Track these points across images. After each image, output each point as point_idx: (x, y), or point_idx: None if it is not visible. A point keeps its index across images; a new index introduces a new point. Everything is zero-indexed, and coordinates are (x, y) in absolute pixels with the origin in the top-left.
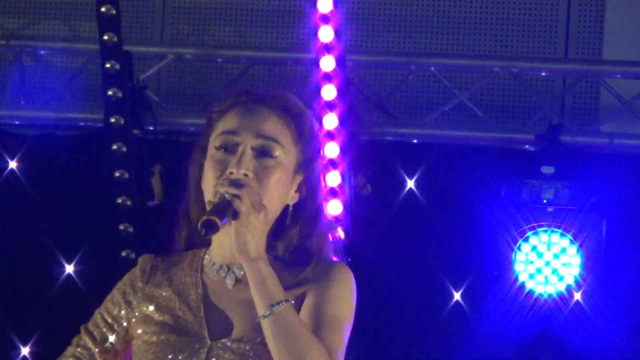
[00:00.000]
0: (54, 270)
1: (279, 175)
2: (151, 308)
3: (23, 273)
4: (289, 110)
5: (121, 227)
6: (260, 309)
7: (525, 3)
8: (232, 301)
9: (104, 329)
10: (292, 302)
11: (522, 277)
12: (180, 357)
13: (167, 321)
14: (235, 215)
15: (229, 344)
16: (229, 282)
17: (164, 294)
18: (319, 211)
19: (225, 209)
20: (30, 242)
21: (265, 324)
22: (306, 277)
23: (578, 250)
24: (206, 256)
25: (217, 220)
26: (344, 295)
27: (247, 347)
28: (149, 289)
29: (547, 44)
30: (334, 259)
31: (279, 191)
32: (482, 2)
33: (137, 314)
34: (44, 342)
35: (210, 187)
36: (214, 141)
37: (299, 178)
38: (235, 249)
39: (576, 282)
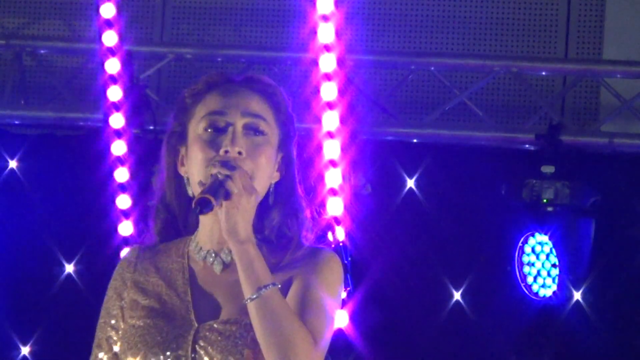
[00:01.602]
0: (54, 270)
1: (268, 152)
2: (138, 293)
3: (23, 273)
4: (266, 90)
5: (121, 227)
6: (247, 291)
7: (525, 3)
8: (219, 285)
9: (113, 336)
10: (279, 285)
11: (523, 279)
12: (167, 340)
13: (153, 305)
14: (227, 195)
15: (215, 325)
16: (217, 267)
17: (151, 279)
18: (294, 189)
19: (218, 189)
20: (30, 242)
21: (251, 307)
22: (293, 260)
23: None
24: (192, 243)
25: (212, 199)
26: (330, 282)
27: (234, 329)
28: (136, 276)
29: (547, 44)
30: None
31: (269, 168)
32: (482, 2)
33: (126, 302)
34: (44, 342)
35: (200, 168)
36: (199, 124)
37: (280, 156)
38: (225, 230)
39: (576, 282)
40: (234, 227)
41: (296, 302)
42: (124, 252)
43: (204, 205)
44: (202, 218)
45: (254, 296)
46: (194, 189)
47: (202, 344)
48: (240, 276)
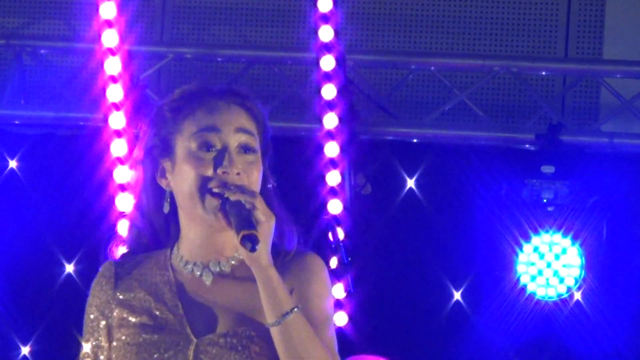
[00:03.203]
0: (54, 270)
1: (258, 169)
2: (126, 311)
3: (23, 273)
4: (246, 104)
5: (121, 227)
6: (271, 316)
7: (525, 3)
8: (211, 297)
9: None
10: (300, 308)
11: (524, 280)
12: (166, 356)
13: (145, 322)
14: (256, 223)
15: (215, 339)
16: (206, 279)
17: (136, 295)
18: (273, 199)
19: (250, 219)
20: (30, 242)
21: (274, 331)
22: (283, 269)
23: (578, 251)
24: (173, 255)
25: (257, 233)
26: (324, 290)
27: (235, 341)
28: (119, 294)
29: (547, 44)
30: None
31: (259, 185)
32: (482, 2)
33: (114, 321)
34: (44, 342)
35: (192, 186)
36: (190, 140)
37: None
38: (247, 258)
39: (576, 282)
40: (258, 254)
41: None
42: (101, 267)
43: (255, 242)
44: (186, 229)
45: (278, 322)
46: (184, 204)
47: (204, 358)
48: (263, 300)
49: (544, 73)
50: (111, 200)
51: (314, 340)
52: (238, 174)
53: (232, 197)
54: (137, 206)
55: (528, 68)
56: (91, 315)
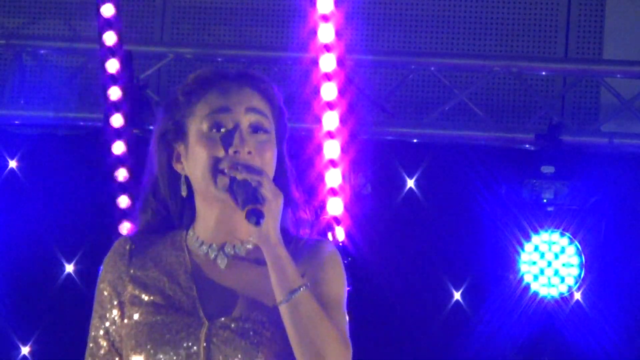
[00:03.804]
0: (54, 270)
1: (272, 149)
2: (139, 288)
3: (23, 273)
4: (261, 86)
5: (121, 227)
6: (280, 294)
7: (525, 3)
8: (225, 280)
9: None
10: (309, 285)
11: (527, 279)
12: (177, 337)
13: (158, 301)
14: (262, 200)
15: (228, 322)
16: (221, 262)
17: (150, 274)
18: (288, 184)
19: (256, 196)
20: (30, 242)
21: (284, 309)
22: (297, 254)
23: (577, 250)
24: (189, 236)
25: (262, 208)
26: (338, 275)
27: (247, 326)
28: (133, 270)
29: (547, 44)
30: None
31: (273, 164)
32: (483, 2)
33: (126, 297)
34: (44, 342)
35: (205, 167)
36: (202, 122)
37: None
38: (256, 235)
39: (576, 282)
40: (266, 232)
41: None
42: (115, 243)
43: (259, 216)
44: (202, 211)
45: (288, 299)
46: (198, 186)
47: (215, 341)
48: (272, 278)
49: (544, 73)
50: (111, 200)
51: (324, 319)
52: (249, 152)
53: (239, 177)
54: (152, 190)
55: (528, 68)
56: (104, 291)
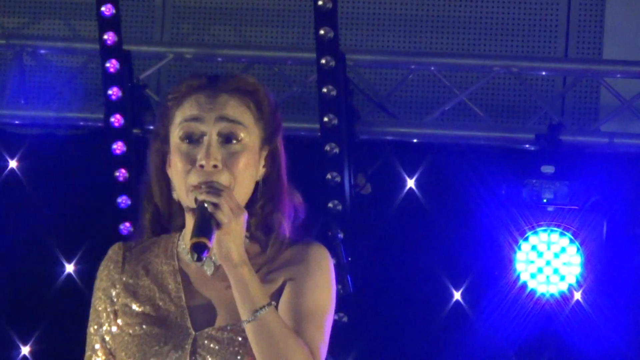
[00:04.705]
0: (54, 270)
1: (245, 159)
2: (130, 297)
3: (23, 273)
4: (245, 90)
5: (121, 227)
6: (244, 314)
7: (525, 3)
8: (212, 289)
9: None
10: (275, 304)
11: (523, 277)
12: (165, 349)
13: (148, 312)
14: (219, 225)
15: (213, 333)
16: (208, 269)
17: (142, 283)
18: (281, 184)
19: (209, 223)
20: (30, 242)
21: (248, 329)
22: (283, 260)
23: (578, 250)
24: (180, 242)
25: (206, 241)
26: (323, 282)
27: (232, 335)
28: (125, 278)
29: (547, 44)
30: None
31: (249, 173)
32: (482, 2)
33: (118, 306)
34: (44, 342)
35: (180, 179)
36: (176, 131)
37: (264, 153)
38: (218, 255)
39: (576, 281)
40: (227, 252)
41: (290, 310)
42: (109, 250)
43: (201, 251)
44: (187, 218)
45: (251, 319)
46: (179, 195)
47: (200, 352)
48: (236, 298)
49: (544, 73)
50: (111, 200)
51: (289, 337)
52: (215, 166)
53: (200, 197)
54: (148, 195)
55: (528, 68)
56: (99, 300)
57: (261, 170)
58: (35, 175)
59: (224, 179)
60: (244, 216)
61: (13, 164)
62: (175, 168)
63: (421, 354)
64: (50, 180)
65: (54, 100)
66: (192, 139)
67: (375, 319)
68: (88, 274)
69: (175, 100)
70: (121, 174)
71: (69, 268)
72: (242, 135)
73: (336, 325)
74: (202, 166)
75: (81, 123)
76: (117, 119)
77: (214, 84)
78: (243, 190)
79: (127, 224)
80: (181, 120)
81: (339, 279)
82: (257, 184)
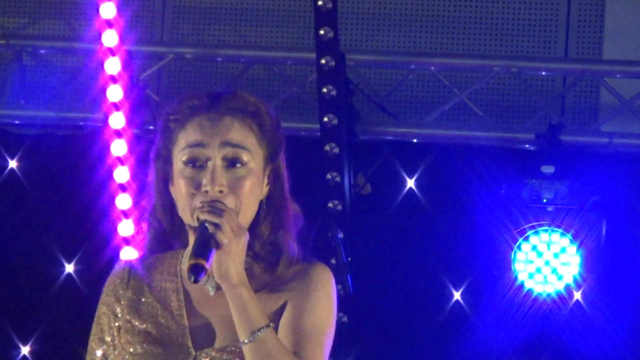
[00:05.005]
0: (54, 270)
1: (250, 182)
2: (133, 315)
3: (23, 273)
4: (247, 111)
5: (121, 227)
6: (242, 334)
7: (525, 3)
8: (213, 308)
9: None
10: (273, 326)
11: (522, 277)
12: None
13: (149, 330)
14: (218, 246)
15: (213, 353)
16: (210, 288)
17: (145, 300)
18: (284, 202)
19: (208, 244)
20: (30, 242)
21: (246, 350)
22: (285, 280)
23: (578, 250)
24: (184, 260)
25: (204, 262)
26: (324, 302)
27: (231, 357)
28: (130, 295)
29: (547, 44)
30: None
31: (254, 196)
32: (482, 2)
33: (121, 322)
34: (44, 342)
35: (184, 202)
36: (180, 155)
37: (267, 171)
38: (217, 276)
39: (576, 281)
40: (226, 273)
41: (290, 329)
42: (122, 253)
43: (197, 272)
44: (190, 237)
45: (249, 340)
46: (182, 215)
47: None
48: (234, 318)
49: (544, 73)
50: (111, 200)
51: (287, 359)
52: (221, 191)
53: (201, 217)
54: (152, 211)
55: (528, 68)
56: (103, 315)
57: (265, 189)
58: (35, 175)
59: (229, 202)
60: (245, 237)
61: (13, 164)
62: (180, 191)
63: (421, 354)
64: (50, 180)
65: (54, 100)
66: (196, 164)
67: (375, 319)
68: (88, 274)
69: (177, 122)
70: (121, 174)
71: (69, 268)
72: (246, 159)
73: (336, 325)
74: (207, 192)
75: (81, 123)
76: (117, 119)
77: (216, 105)
78: (248, 213)
79: (127, 224)
80: (185, 145)
81: (339, 279)
82: (260, 202)
